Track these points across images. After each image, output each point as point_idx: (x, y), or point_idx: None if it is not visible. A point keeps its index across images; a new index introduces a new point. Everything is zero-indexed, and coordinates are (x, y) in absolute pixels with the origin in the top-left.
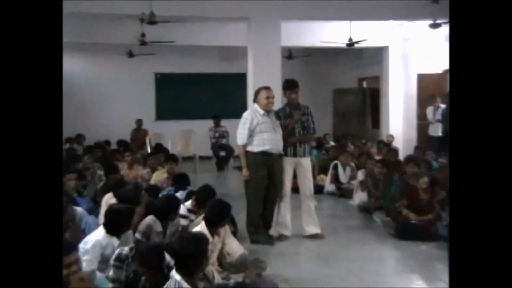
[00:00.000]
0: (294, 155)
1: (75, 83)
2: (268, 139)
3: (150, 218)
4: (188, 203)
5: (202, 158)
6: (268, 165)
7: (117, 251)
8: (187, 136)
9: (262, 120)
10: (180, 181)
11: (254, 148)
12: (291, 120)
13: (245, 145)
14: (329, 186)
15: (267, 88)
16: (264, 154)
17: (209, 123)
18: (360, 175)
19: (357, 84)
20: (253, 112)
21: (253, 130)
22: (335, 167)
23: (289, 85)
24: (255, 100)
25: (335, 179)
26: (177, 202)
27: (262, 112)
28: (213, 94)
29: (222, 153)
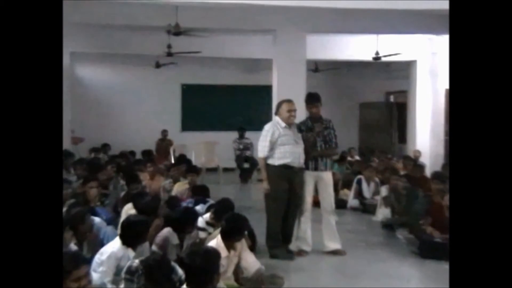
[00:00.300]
0: (315, 169)
1: (104, 92)
2: (289, 152)
3: (166, 231)
4: (207, 215)
5: (226, 169)
6: (289, 179)
7: (128, 263)
8: (212, 148)
9: (284, 133)
10: (199, 193)
11: (275, 161)
12: (312, 134)
13: (266, 158)
14: (352, 201)
15: (289, 101)
16: (285, 167)
17: (234, 135)
18: (384, 190)
19: (384, 98)
20: (274, 125)
21: (274, 142)
22: (359, 182)
23: (311, 99)
24: (276, 113)
25: (359, 194)
26: (195, 215)
27: (283, 125)
28: (238, 106)
29: (246, 165)
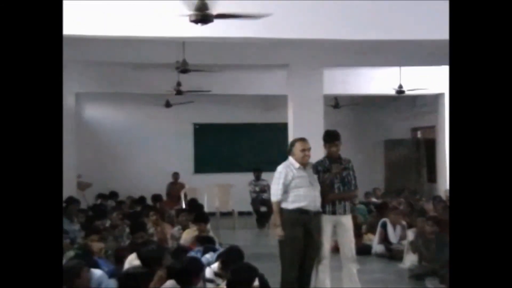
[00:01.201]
0: (333, 213)
1: (112, 134)
2: (304, 195)
3: (169, 283)
4: (215, 265)
5: (241, 213)
6: (304, 224)
7: None
8: (226, 190)
9: (298, 174)
10: (204, 243)
11: (289, 205)
12: (330, 174)
13: (279, 202)
14: (377, 247)
15: (302, 140)
16: (300, 211)
17: (249, 176)
18: (410, 234)
19: (410, 135)
20: (287, 166)
21: (288, 185)
22: (384, 225)
23: (329, 137)
24: (290, 153)
25: (384, 239)
26: (200, 265)
27: (297, 165)
28: (253, 145)
29: (263, 209)
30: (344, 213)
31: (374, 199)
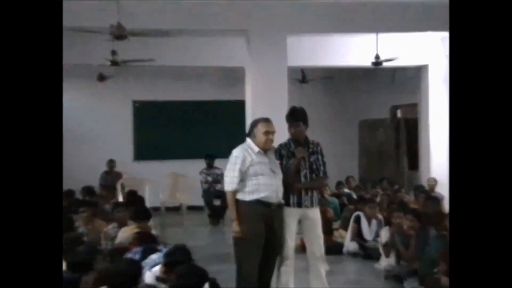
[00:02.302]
0: (299, 205)
1: None
2: (265, 184)
3: None
4: (157, 268)
5: (191, 208)
6: (265, 218)
7: None
8: (173, 181)
9: (257, 159)
10: (144, 243)
11: (247, 196)
12: (295, 160)
13: (235, 192)
14: (350, 244)
15: (266, 121)
16: (260, 203)
17: (201, 164)
18: (384, 234)
19: (390, 114)
20: (245, 150)
21: (245, 172)
22: (358, 220)
23: (294, 116)
24: (250, 134)
25: (358, 235)
26: (138, 269)
27: (257, 149)
28: (206, 127)
29: (217, 202)
30: (312, 205)
31: (346, 190)
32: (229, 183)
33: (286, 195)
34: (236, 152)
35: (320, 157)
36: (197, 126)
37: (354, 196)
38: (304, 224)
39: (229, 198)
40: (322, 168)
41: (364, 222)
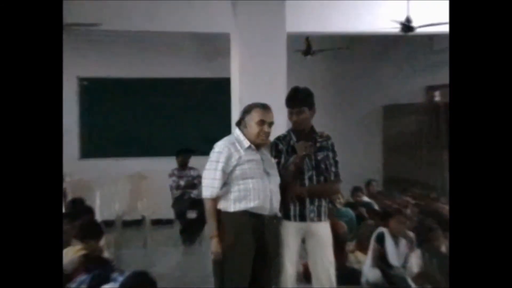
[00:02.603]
0: (302, 218)
1: None
2: (256, 190)
3: None
4: None
5: (157, 222)
6: (255, 235)
7: None
8: (133, 186)
9: (247, 157)
10: (93, 269)
11: (231, 205)
12: (296, 157)
13: (215, 200)
14: (370, 272)
15: (263, 108)
16: (249, 215)
17: (171, 163)
18: (416, 259)
19: (425, 97)
20: (231, 144)
21: (231, 174)
22: (381, 239)
23: (296, 100)
24: (239, 123)
25: (381, 260)
26: None
27: (247, 144)
28: (178, 114)
29: (192, 214)
30: (319, 218)
31: (366, 198)
32: (208, 187)
33: (284, 205)
34: (219, 147)
35: (331, 154)
36: (166, 113)
37: (376, 206)
38: (309, 243)
39: (207, 207)
40: (333, 169)
41: (389, 242)
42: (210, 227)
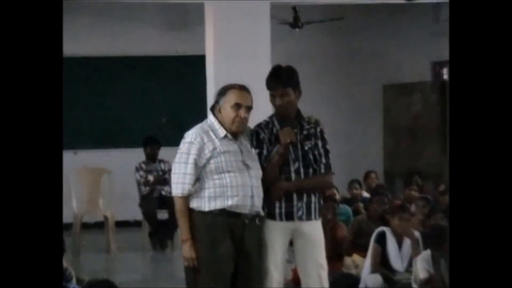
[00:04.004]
0: (289, 216)
1: None
2: (234, 187)
3: None
4: None
5: (122, 224)
6: (234, 238)
7: None
8: (92, 181)
9: (223, 148)
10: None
11: (205, 203)
12: (281, 147)
13: (187, 198)
14: (369, 278)
15: (240, 89)
16: (226, 214)
17: (137, 154)
18: (423, 262)
19: (431, 74)
20: (204, 132)
21: (204, 168)
22: (381, 240)
23: (275, 79)
24: (214, 108)
25: (383, 264)
26: None
27: (223, 132)
28: (144, 97)
29: (162, 215)
30: (309, 217)
31: (365, 193)
32: (179, 184)
33: (268, 202)
34: (190, 136)
35: (320, 142)
36: (130, 97)
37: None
38: (297, 245)
39: (178, 207)
40: (323, 159)
41: (391, 243)
42: (182, 229)
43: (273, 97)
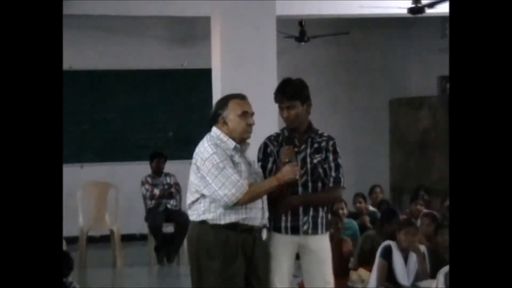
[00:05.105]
0: (295, 230)
1: None
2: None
3: None
4: None
5: (128, 238)
6: (245, 253)
7: None
8: (98, 195)
9: (237, 159)
10: None
11: (220, 216)
12: (285, 157)
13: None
14: None
15: (241, 98)
16: (238, 229)
17: (143, 168)
18: (427, 277)
19: (438, 89)
20: (217, 146)
21: None
22: (387, 254)
23: (284, 92)
24: (215, 120)
25: (389, 279)
26: None
27: (232, 144)
28: (150, 111)
29: (169, 228)
30: (315, 231)
31: (371, 207)
32: (236, 191)
33: (275, 217)
34: (209, 150)
35: (331, 155)
36: (136, 110)
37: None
38: (303, 260)
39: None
40: (333, 173)
41: (397, 258)
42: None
43: (281, 110)
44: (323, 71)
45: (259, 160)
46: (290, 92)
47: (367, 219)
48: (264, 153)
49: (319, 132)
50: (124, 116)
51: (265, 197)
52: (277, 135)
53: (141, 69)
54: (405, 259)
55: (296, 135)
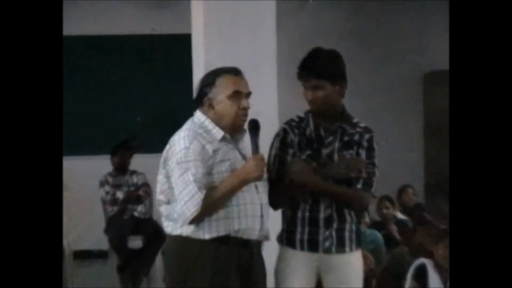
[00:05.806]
0: (312, 245)
1: None
2: (239, 205)
3: None
4: None
5: (83, 254)
6: (240, 271)
7: None
8: None
9: (224, 154)
10: None
11: (204, 228)
12: (316, 160)
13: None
14: None
15: (234, 73)
16: (231, 243)
17: (104, 164)
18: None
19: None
20: (199, 134)
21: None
22: (421, 274)
23: (306, 67)
24: (200, 102)
25: None
26: None
27: (220, 133)
28: (113, 88)
29: (135, 242)
30: (340, 249)
31: (399, 214)
32: (190, 205)
33: (287, 223)
34: (184, 141)
35: (364, 153)
36: (92, 87)
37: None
38: (326, 283)
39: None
40: (363, 174)
41: (434, 279)
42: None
43: (305, 90)
44: (337, 40)
45: (276, 150)
46: (319, 68)
47: (395, 229)
48: (283, 142)
49: (354, 120)
50: (79, 96)
51: (264, 202)
52: (300, 119)
53: (101, 35)
54: (445, 281)
55: (322, 122)
